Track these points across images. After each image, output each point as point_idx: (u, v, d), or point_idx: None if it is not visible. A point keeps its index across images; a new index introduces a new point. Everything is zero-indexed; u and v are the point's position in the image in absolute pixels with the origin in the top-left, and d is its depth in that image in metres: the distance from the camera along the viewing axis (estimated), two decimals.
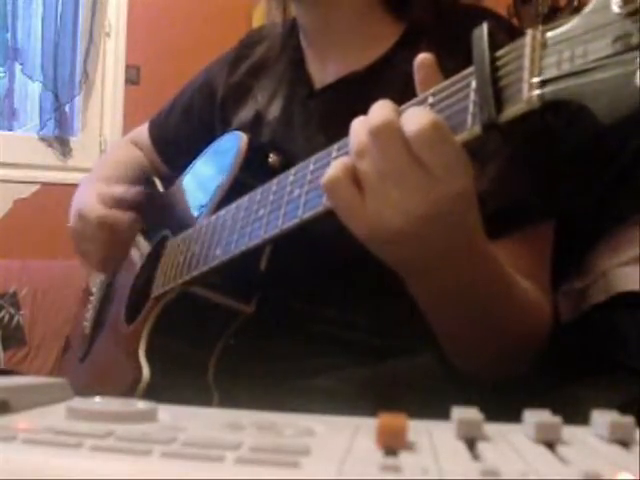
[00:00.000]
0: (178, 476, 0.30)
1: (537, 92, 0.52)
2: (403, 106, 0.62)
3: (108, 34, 2.96)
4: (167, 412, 0.41)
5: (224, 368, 0.87)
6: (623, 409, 0.38)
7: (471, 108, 0.57)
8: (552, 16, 2.90)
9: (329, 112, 0.93)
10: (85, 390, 0.46)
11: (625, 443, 0.36)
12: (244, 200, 0.81)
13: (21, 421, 0.38)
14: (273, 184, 0.76)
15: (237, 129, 1.01)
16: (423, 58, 0.62)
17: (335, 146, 0.67)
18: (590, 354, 0.88)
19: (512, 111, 0.54)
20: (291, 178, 0.73)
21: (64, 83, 2.90)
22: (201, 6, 2.95)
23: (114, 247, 1.02)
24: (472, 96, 0.57)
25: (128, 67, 2.96)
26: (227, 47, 1.14)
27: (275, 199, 0.74)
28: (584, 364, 0.87)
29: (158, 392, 0.82)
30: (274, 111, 0.99)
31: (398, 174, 0.58)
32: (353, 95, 0.91)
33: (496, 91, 0.54)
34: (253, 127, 1.00)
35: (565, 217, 0.84)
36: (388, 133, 0.58)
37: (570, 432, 0.37)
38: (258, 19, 2.65)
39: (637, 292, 0.85)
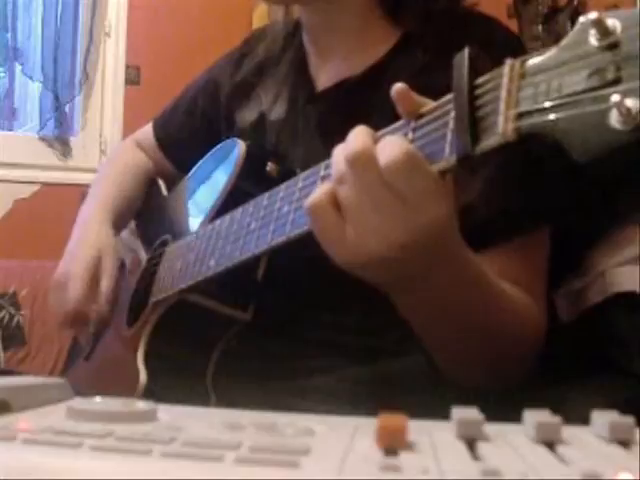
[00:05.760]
0: (178, 476, 0.30)
1: (513, 125, 0.50)
2: (385, 130, 0.62)
3: (108, 34, 2.95)
4: (167, 412, 0.41)
5: (222, 373, 0.88)
6: (620, 409, 0.38)
7: (449, 137, 0.56)
8: (552, 16, 2.90)
9: (327, 116, 0.93)
10: (87, 390, 0.45)
11: (625, 443, 0.36)
12: (238, 212, 0.81)
13: (21, 421, 0.38)
14: (265, 198, 0.76)
15: (241, 129, 1.02)
16: (398, 88, 0.61)
17: (323, 164, 0.67)
18: (588, 355, 0.88)
19: (488, 143, 0.52)
20: (281, 194, 0.73)
21: (64, 83, 2.90)
22: (201, 6, 2.95)
23: (78, 327, 1.04)
24: (451, 124, 0.56)
25: (128, 67, 2.96)
26: (227, 47, 1.14)
27: (266, 214, 0.75)
28: (582, 364, 0.87)
29: (155, 396, 0.82)
30: (278, 113, 0.99)
31: (374, 202, 0.58)
32: (350, 100, 0.91)
33: (473, 122, 0.53)
34: (257, 128, 1.00)
35: (563, 218, 0.84)
36: (362, 162, 0.58)
37: (570, 432, 0.37)
38: (258, 19, 2.65)
39: (634, 292, 0.85)
